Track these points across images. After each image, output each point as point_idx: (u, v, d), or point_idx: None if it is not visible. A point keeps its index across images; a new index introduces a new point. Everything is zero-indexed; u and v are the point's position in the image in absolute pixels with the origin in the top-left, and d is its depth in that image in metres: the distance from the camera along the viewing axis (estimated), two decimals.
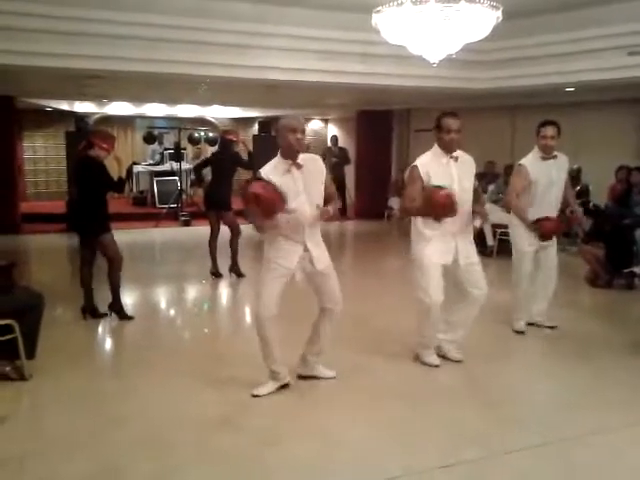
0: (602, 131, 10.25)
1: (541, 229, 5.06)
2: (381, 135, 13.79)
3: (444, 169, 4.15)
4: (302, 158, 3.70)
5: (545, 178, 5.02)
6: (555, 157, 5.06)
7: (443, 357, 4.53)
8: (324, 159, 14.02)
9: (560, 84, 8.52)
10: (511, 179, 5.30)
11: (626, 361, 4.57)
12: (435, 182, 4.11)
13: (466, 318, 4.48)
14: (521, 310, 5.33)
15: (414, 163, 4.26)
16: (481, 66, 8.73)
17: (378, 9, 5.37)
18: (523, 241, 5.21)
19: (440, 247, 4.20)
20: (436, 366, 4.42)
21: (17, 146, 12.85)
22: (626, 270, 7.05)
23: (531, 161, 5.07)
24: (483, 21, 5.34)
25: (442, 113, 4.24)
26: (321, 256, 3.82)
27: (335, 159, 13.42)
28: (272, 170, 3.65)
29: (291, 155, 3.65)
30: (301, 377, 4.14)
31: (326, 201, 3.82)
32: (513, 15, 6.40)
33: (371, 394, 3.99)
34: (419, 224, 4.26)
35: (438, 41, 5.56)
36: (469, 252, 4.31)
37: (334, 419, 3.59)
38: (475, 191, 4.32)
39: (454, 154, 4.17)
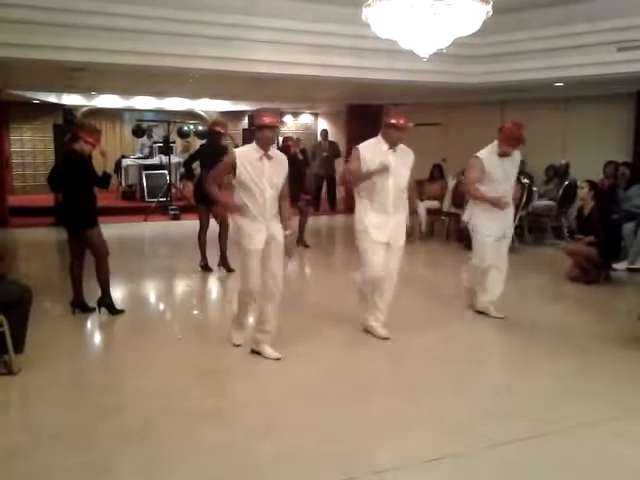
0: (591, 126, 10.31)
1: None
2: (371, 129, 13.69)
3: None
4: (273, 152, 4.33)
5: (500, 174, 5.25)
6: (510, 154, 5.30)
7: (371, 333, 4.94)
8: (314, 153, 13.98)
9: (550, 79, 8.56)
10: (467, 171, 5.49)
11: (612, 353, 4.61)
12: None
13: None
14: (474, 295, 5.59)
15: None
16: (471, 61, 8.76)
17: (368, 3, 5.35)
18: (484, 231, 5.34)
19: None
20: (385, 338, 4.84)
21: (4, 139, 12.74)
22: (613, 265, 7.13)
23: (487, 156, 5.28)
24: (473, 15, 5.34)
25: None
26: (278, 230, 4.35)
27: (325, 153, 13.44)
28: (249, 153, 4.27)
29: (265, 146, 4.25)
30: (252, 351, 4.51)
31: (281, 197, 4.41)
32: (503, 10, 6.41)
33: (357, 387, 4.02)
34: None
35: (428, 35, 5.56)
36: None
37: (323, 412, 3.60)
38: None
39: None
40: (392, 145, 4.69)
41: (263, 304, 4.43)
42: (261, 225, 4.26)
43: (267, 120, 4.23)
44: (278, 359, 4.38)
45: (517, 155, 5.38)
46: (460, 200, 8.82)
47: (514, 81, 8.80)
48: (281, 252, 4.37)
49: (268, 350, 4.45)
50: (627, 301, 6.41)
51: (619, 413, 3.63)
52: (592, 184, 7.11)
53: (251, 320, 4.80)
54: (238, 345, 4.66)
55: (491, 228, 5.31)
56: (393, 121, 4.64)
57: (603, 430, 3.40)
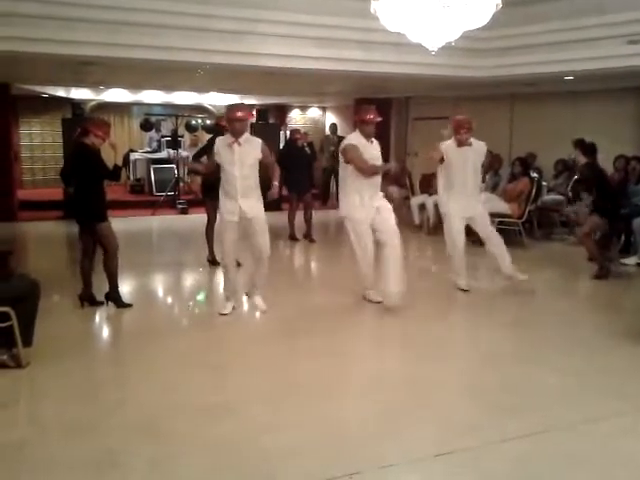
0: (601, 120, 10.23)
1: None
2: (379, 123, 13.70)
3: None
4: (245, 138, 5.13)
5: (459, 160, 5.89)
6: (470, 144, 5.92)
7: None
8: (322, 147, 13.96)
9: (559, 73, 8.49)
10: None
11: (621, 349, 4.57)
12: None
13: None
14: (461, 269, 6.14)
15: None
16: (480, 54, 8.70)
17: None
18: (453, 213, 6.04)
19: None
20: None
21: (13, 133, 12.79)
22: (622, 260, 7.09)
23: (447, 146, 5.96)
24: (482, 9, 5.31)
25: None
26: (252, 208, 5.16)
27: (333, 147, 13.41)
28: (224, 141, 5.16)
29: (235, 135, 5.08)
30: (246, 294, 5.72)
31: (267, 167, 5.36)
32: (512, 3, 6.36)
33: (363, 381, 4.03)
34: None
35: (437, 29, 5.53)
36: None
37: (331, 406, 3.60)
38: None
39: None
40: (368, 138, 5.51)
41: (254, 268, 5.48)
42: (234, 201, 5.12)
43: (237, 114, 5.08)
44: (264, 311, 5.41)
45: (480, 146, 6.02)
46: None
47: (523, 75, 8.74)
48: (260, 223, 5.20)
49: (259, 301, 5.50)
50: (636, 297, 6.37)
51: (626, 409, 3.61)
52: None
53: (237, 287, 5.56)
54: (224, 314, 5.33)
55: (457, 210, 5.98)
56: (369, 116, 5.49)
57: (610, 426, 3.38)
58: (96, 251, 5.58)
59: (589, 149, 6.98)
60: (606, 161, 8.18)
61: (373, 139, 5.59)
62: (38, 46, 6.84)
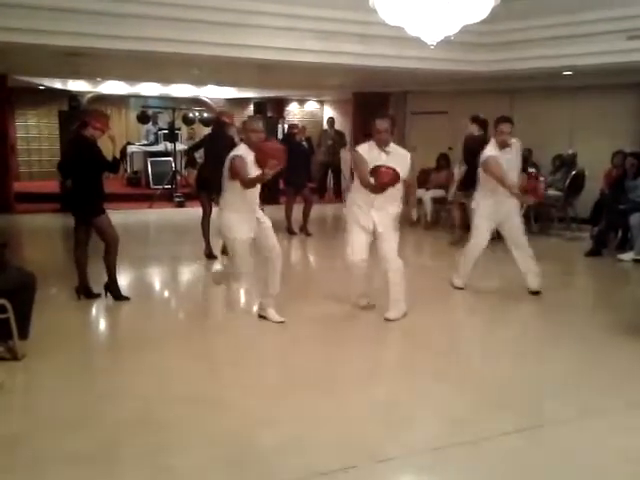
0: (599, 116, 10.21)
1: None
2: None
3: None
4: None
5: (505, 164, 5.53)
6: (509, 146, 5.61)
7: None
8: (320, 141, 13.93)
9: (559, 67, 8.48)
10: (491, 170, 5.55)
11: (616, 345, 4.58)
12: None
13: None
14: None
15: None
16: (479, 48, 8.67)
17: None
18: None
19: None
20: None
21: (10, 125, 12.73)
22: (619, 256, 7.12)
23: (495, 152, 5.61)
24: (482, 3, 5.29)
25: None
26: (264, 217, 4.88)
27: (331, 141, 13.40)
28: (246, 151, 4.72)
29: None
30: (260, 316, 5.00)
31: None
32: None
33: (359, 374, 4.04)
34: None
35: (436, 22, 5.50)
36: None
37: (325, 400, 3.60)
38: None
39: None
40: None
41: (268, 272, 4.91)
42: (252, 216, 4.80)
43: None
44: (282, 322, 4.86)
45: (517, 143, 5.68)
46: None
47: (523, 69, 8.71)
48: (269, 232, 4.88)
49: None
50: (633, 292, 6.38)
51: (621, 405, 3.61)
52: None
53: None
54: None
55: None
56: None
57: (605, 422, 3.39)
58: (89, 243, 5.54)
59: (484, 123, 7.72)
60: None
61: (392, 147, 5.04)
62: (25, 37, 6.70)
